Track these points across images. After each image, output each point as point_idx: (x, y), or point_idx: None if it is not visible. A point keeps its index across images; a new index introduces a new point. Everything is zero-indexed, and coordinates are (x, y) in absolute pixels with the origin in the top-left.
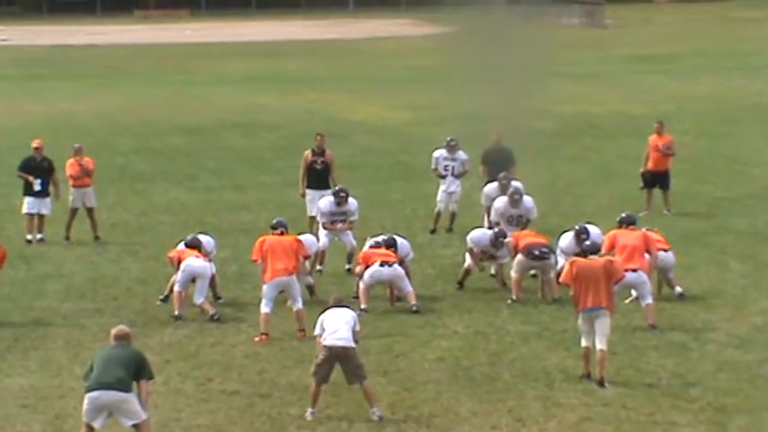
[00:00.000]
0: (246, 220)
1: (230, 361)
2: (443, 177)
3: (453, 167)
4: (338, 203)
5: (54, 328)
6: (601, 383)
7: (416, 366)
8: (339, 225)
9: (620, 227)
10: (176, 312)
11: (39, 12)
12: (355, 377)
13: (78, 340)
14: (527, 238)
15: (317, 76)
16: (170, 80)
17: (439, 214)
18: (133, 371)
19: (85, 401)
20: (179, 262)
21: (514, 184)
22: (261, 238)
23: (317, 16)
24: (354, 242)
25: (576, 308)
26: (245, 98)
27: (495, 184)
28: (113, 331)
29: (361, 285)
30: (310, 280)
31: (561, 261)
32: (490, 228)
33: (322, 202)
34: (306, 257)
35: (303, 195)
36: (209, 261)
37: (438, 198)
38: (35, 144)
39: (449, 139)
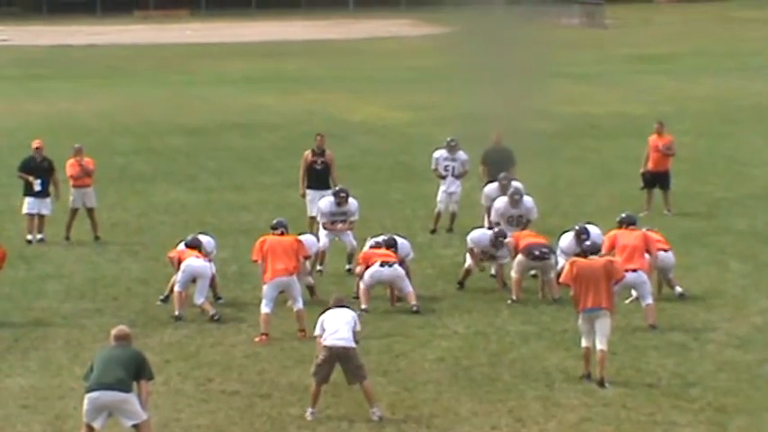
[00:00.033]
0: (246, 220)
1: (230, 361)
2: (443, 178)
3: (453, 168)
4: (338, 204)
5: (54, 328)
6: (601, 384)
7: (416, 366)
8: (339, 225)
9: (620, 227)
10: (176, 312)
11: (39, 12)
12: (355, 377)
13: (78, 340)
14: (527, 238)
15: (317, 77)
16: (170, 80)
17: (439, 214)
18: (133, 371)
19: (85, 402)
20: (179, 262)
21: (515, 184)
22: (261, 239)
23: (317, 16)
24: (354, 242)
25: (576, 308)
26: (246, 98)
27: (495, 185)
28: (113, 331)
29: (362, 286)
30: (310, 280)
31: (561, 261)
32: (490, 228)
33: (322, 202)
34: (306, 258)
35: (303, 196)
36: (210, 261)
37: (438, 198)
38: (35, 144)
39: (449, 139)
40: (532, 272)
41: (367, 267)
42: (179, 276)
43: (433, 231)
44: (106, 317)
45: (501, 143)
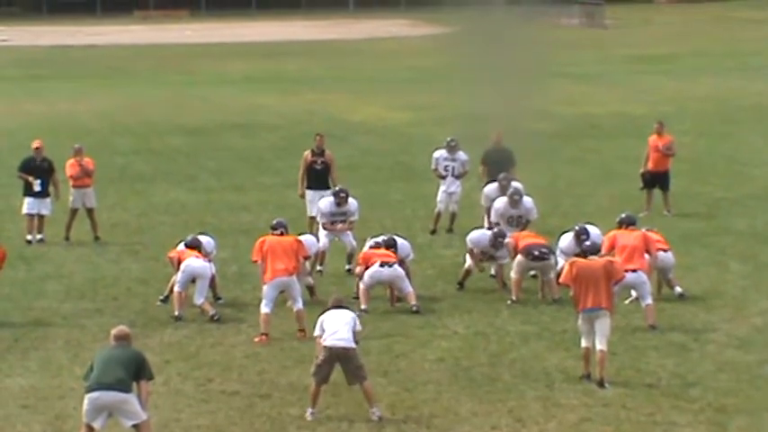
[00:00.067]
0: (246, 220)
1: (230, 361)
2: (443, 178)
3: (453, 168)
4: (338, 204)
5: (54, 328)
6: (601, 384)
7: (416, 367)
8: (339, 225)
9: (619, 227)
10: (176, 313)
11: (39, 12)
12: (355, 378)
13: (78, 340)
14: (527, 238)
15: (317, 77)
16: (170, 80)
17: (439, 215)
18: (133, 371)
19: (85, 402)
20: (179, 262)
21: (514, 184)
22: (261, 239)
23: (317, 17)
24: (354, 243)
25: (575, 308)
26: (246, 99)
27: (495, 185)
28: (113, 331)
29: (362, 286)
30: (310, 280)
31: (561, 262)
32: (490, 228)
33: (322, 202)
34: (306, 258)
35: (303, 196)
36: (210, 261)
37: (438, 198)
38: (35, 144)
39: (449, 139)
40: (532, 272)
41: (367, 268)
42: (179, 276)
43: (433, 232)
44: (106, 317)
45: (501, 143)
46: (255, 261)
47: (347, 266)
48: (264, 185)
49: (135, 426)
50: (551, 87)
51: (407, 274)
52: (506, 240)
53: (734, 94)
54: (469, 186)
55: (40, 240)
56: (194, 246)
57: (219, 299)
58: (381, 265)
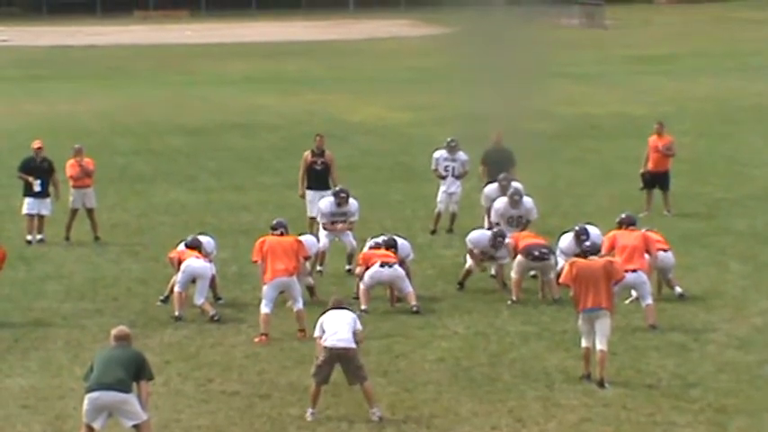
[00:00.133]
0: (246, 220)
1: (230, 362)
2: (443, 178)
3: (453, 168)
4: (339, 204)
5: (54, 328)
6: (601, 384)
7: (417, 367)
8: (339, 225)
9: (619, 227)
10: (176, 313)
11: (39, 12)
12: (356, 378)
13: (78, 341)
14: (527, 239)
15: (317, 77)
16: (170, 81)
17: (439, 215)
18: (133, 371)
19: (85, 402)
20: (179, 263)
21: (514, 184)
22: (261, 239)
23: (318, 17)
24: (354, 243)
25: (576, 308)
26: (246, 99)
27: (495, 185)
28: (113, 332)
29: (362, 286)
30: (310, 280)
31: (561, 262)
32: (490, 228)
33: (322, 202)
34: (306, 258)
35: (303, 196)
36: (210, 262)
37: (438, 199)
38: (35, 145)
39: (449, 139)
40: (532, 272)
41: (367, 268)
42: (179, 277)
43: (433, 232)
44: (106, 317)
45: (501, 143)
46: (255, 261)
47: (347, 267)
48: (264, 185)
49: (135, 426)
50: (551, 87)
51: (407, 275)
52: (506, 240)
53: (734, 94)
54: (469, 186)
55: (40, 240)
56: (194, 246)
57: (219, 299)
58: (381, 266)
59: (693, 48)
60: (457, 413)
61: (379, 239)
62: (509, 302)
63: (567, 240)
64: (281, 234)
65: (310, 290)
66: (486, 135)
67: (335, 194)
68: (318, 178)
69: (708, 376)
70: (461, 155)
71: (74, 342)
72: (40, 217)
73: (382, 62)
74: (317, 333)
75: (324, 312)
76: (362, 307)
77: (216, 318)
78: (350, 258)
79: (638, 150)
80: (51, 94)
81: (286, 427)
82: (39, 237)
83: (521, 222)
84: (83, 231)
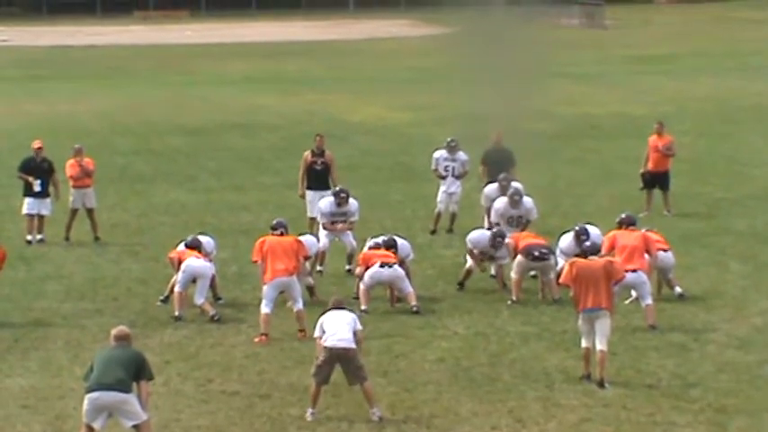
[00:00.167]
0: (246, 220)
1: (230, 362)
2: (443, 178)
3: (453, 168)
4: (339, 204)
5: (54, 328)
6: (601, 384)
7: (417, 367)
8: (339, 225)
9: (619, 227)
10: (176, 313)
11: (39, 12)
12: (356, 378)
13: (78, 341)
14: (527, 239)
15: (317, 77)
16: (170, 81)
17: (439, 215)
18: (133, 371)
19: (85, 402)
20: (179, 263)
21: (514, 184)
22: (261, 239)
23: (318, 17)
24: (354, 243)
25: (576, 308)
26: (246, 99)
27: (495, 185)
28: (113, 332)
29: (362, 286)
30: (310, 280)
31: (561, 262)
32: (490, 228)
33: (322, 202)
34: (306, 258)
35: (303, 196)
36: (210, 261)
37: (438, 199)
38: (35, 145)
39: (449, 139)
40: (532, 272)
41: (367, 268)
42: (179, 277)
43: (433, 232)
44: (106, 317)
45: (501, 143)
46: (255, 261)
47: (347, 267)
48: (264, 185)
49: (135, 426)
50: (551, 87)
51: (407, 275)
52: (506, 241)
53: (734, 94)
54: (469, 186)
55: (40, 241)
56: (194, 246)
57: (219, 299)
58: (381, 266)
59: (693, 48)
60: (457, 413)
61: (379, 239)
62: (509, 302)
63: (567, 240)
64: (281, 234)
65: (310, 290)
66: (486, 135)
67: (335, 194)
68: (318, 178)
69: (708, 376)
70: (461, 155)
71: (74, 342)
72: (40, 217)
73: (382, 62)
74: (317, 333)
75: (324, 313)
76: (362, 307)
77: (216, 318)
78: (350, 258)
79: (638, 150)
80: (51, 94)
81: (286, 427)
82: (39, 237)
83: (521, 222)
84: (83, 231)
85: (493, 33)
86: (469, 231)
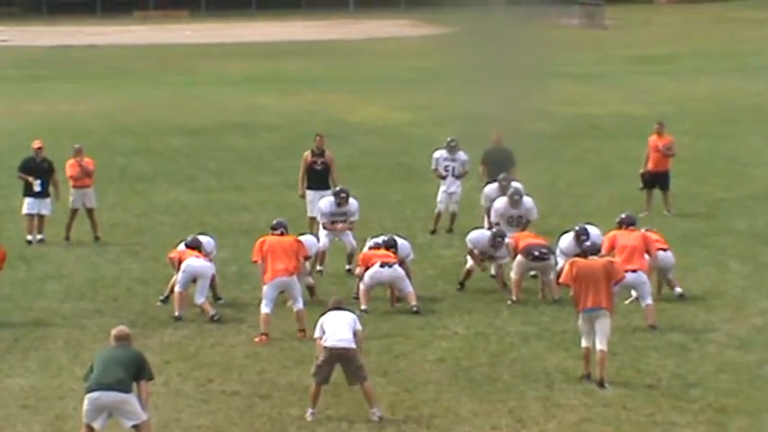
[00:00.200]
0: (246, 220)
1: (230, 362)
2: (443, 178)
3: (453, 168)
4: (339, 204)
5: (54, 328)
6: (601, 384)
7: (416, 367)
8: (339, 225)
9: (619, 228)
10: (176, 313)
11: (39, 12)
12: (356, 378)
13: (78, 341)
14: (527, 239)
15: (317, 77)
16: (170, 81)
17: (439, 215)
18: (133, 371)
19: (85, 402)
20: (179, 263)
21: (514, 184)
22: (261, 239)
23: (318, 17)
24: (354, 243)
25: (576, 308)
26: (246, 99)
27: (495, 185)
28: (113, 332)
29: (362, 286)
30: (310, 280)
31: (561, 262)
32: (490, 228)
33: (322, 202)
34: (306, 258)
35: (303, 196)
36: (210, 261)
37: (438, 199)
38: (35, 145)
39: (449, 139)
40: (532, 272)
41: (367, 268)
42: (179, 276)
43: (433, 232)
44: (106, 317)
45: (501, 143)
46: (255, 261)
47: (347, 266)
48: (264, 185)
49: (135, 426)
50: (551, 87)
51: (407, 275)
52: (506, 241)
53: (734, 94)
54: (469, 186)
55: (40, 240)
56: (194, 246)
57: (219, 299)
58: (381, 266)
59: (693, 48)
60: (457, 413)
61: (379, 239)
62: (509, 302)
63: (567, 240)
64: (281, 234)
65: (310, 290)
66: (486, 135)
67: (335, 194)
68: (318, 178)
69: (708, 376)
70: (461, 155)
71: (74, 342)
72: (40, 217)
73: (382, 62)
74: (317, 334)
75: (324, 313)
76: (362, 307)
77: (216, 318)
78: (350, 258)
79: (638, 150)
80: (51, 94)
81: (286, 427)
82: (39, 237)
83: (521, 222)
84: (83, 231)
85: (493, 33)
86: (469, 231)
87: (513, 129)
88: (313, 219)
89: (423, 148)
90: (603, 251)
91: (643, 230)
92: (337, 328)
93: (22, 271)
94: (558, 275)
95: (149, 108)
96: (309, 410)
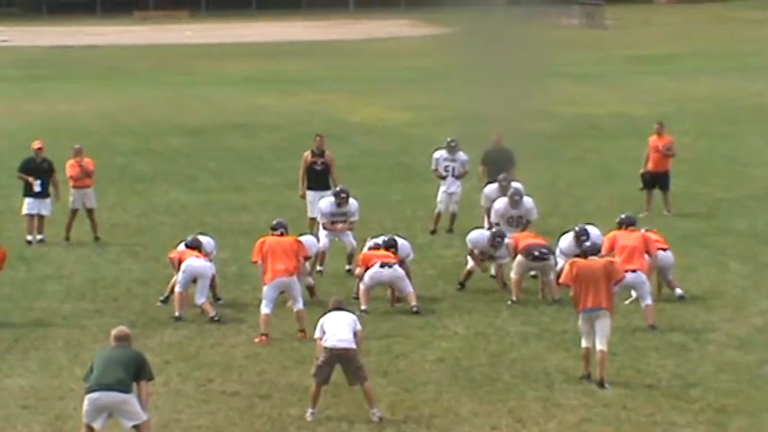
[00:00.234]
0: (246, 221)
1: (230, 362)
2: (443, 178)
3: (453, 168)
4: (339, 204)
5: (54, 328)
6: (601, 384)
7: (417, 367)
8: (339, 225)
9: (619, 228)
10: (177, 313)
11: (39, 12)
12: (356, 378)
13: (78, 341)
14: (527, 239)
15: (317, 77)
16: (170, 81)
17: (439, 215)
18: (133, 372)
19: (85, 402)
20: (179, 263)
21: (514, 185)
22: (261, 239)
23: (318, 17)
24: (354, 243)
25: (576, 308)
26: (246, 99)
27: (495, 185)
28: (113, 332)
29: (362, 287)
30: (311, 281)
31: (561, 262)
32: (490, 228)
33: (322, 202)
34: (306, 258)
35: (303, 196)
36: (210, 261)
37: (438, 199)
38: (35, 145)
39: (449, 139)
40: (532, 273)
41: (367, 269)
42: (179, 277)
43: (433, 232)
44: (106, 317)
45: (501, 143)
46: (255, 262)
47: (347, 267)
48: (264, 185)
49: (135, 426)
50: (551, 87)
51: (407, 275)
52: (506, 241)
53: (734, 94)
54: (469, 186)
55: (41, 241)
56: (195, 246)
57: (219, 299)
58: (381, 266)
59: (693, 48)
60: (457, 413)
61: (379, 240)
62: (509, 302)
63: (567, 240)
64: (281, 234)
65: (310, 290)
66: (486, 135)
67: (336, 194)
68: (318, 178)
69: (708, 376)
70: (461, 155)
71: (74, 342)
72: (40, 217)
73: (382, 62)
74: (317, 334)
75: (324, 314)
76: (362, 307)
77: (216, 318)
78: (350, 258)
79: (638, 150)
80: (51, 94)
81: (286, 428)
82: (39, 237)
83: (521, 222)
84: (83, 231)
85: (493, 33)
86: (469, 231)
87: (513, 129)
88: (313, 219)
89: (423, 148)
90: (603, 251)
91: (643, 231)
92: (337, 329)
93: (22, 271)
94: (558, 276)
95: (149, 108)
96: (309, 411)
